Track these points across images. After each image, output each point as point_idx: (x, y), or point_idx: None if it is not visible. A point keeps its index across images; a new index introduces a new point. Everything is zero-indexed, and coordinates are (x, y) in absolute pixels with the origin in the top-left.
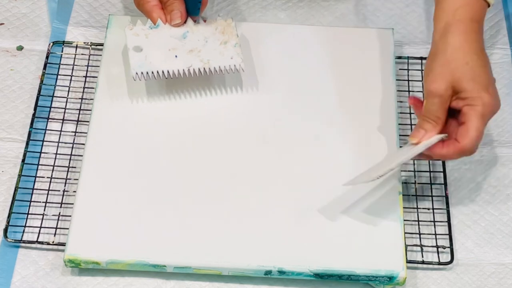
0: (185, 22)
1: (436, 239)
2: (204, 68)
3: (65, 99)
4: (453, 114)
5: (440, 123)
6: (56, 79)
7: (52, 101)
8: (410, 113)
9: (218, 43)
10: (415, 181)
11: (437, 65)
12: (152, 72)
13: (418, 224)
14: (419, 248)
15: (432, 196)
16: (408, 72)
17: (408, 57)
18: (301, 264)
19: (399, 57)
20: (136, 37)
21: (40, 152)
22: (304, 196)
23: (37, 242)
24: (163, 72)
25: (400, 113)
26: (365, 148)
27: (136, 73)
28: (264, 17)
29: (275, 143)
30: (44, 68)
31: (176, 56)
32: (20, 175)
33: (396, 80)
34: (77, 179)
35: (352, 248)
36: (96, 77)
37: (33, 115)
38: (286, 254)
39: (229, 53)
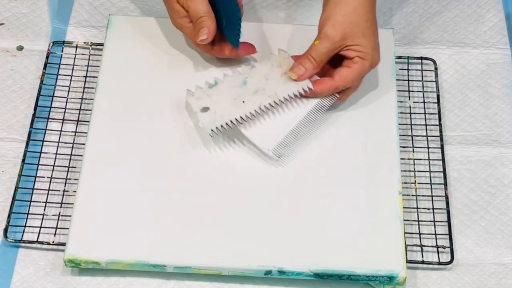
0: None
1: (436, 239)
2: (274, 101)
3: (65, 99)
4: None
5: (320, 67)
6: (56, 79)
7: (52, 101)
8: (410, 113)
9: (279, 76)
10: (415, 181)
11: (339, 13)
12: (226, 123)
13: (418, 224)
14: (419, 248)
15: (432, 196)
16: (408, 72)
17: (408, 57)
18: (301, 264)
19: (399, 57)
20: (200, 101)
21: (40, 152)
22: (304, 196)
23: (37, 242)
24: (236, 119)
25: (400, 113)
26: (365, 148)
27: (212, 130)
28: (265, 17)
29: None
30: (44, 68)
31: (243, 101)
32: (20, 175)
33: (396, 80)
34: (77, 179)
35: (352, 248)
36: (96, 77)
37: (33, 115)
38: (286, 254)
39: (292, 80)
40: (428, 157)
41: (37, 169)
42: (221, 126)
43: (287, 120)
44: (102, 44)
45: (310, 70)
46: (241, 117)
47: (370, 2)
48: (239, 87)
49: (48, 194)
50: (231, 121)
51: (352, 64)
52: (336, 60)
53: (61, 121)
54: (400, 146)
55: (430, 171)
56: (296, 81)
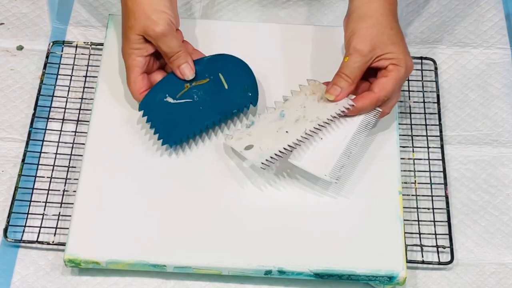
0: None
1: (436, 239)
2: (318, 124)
3: (65, 98)
4: (365, 77)
5: (355, 83)
6: (56, 78)
7: (52, 100)
8: (410, 113)
9: (316, 102)
10: (415, 181)
11: (364, 26)
12: (276, 154)
13: (418, 224)
14: (419, 248)
15: (432, 196)
16: None
17: None
18: (301, 264)
19: None
20: (241, 140)
21: (40, 152)
22: (303, 195)
23: (37, 242)
24: (284, 148)
25: (400, 113)
26: (365, 148)
27: (262, 163)
28: (264, 16)
29: None
30: (44, 68)
31: (286, 131)
32: (20, 175)
33: None
34: (77, 179)
35: (352, 248)
36: (96, 77)
37: (33, 115)
38: (286, 254)
39: (330, 102)
40: (428, 157)
41: (37, 169)
42: (271, 157)
43: (336, 142)
44: (102, 44)
45: (346, 88)
46: (289, 145)
47: (391, 11)
48: (278, 120)
49: (48, 194)
50: (280, 151)
51: (387, 73)
52: (369, 75)
53: (61, 121)
54: (400, 146)
55: (430, 171)
56: (335, 102)
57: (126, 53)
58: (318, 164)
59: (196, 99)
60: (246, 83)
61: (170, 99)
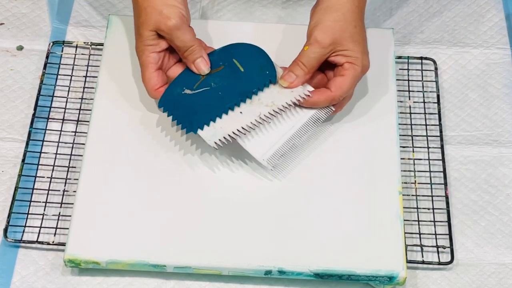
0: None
1: (436, 239)
2: (273, 110)
3: (65, 99)
4: (321, 68)
5: (311, 72)
6: (56, 79)
7: (52, 101)
8: (410, 113)
9: (274, 86)
10: (415, 181)
11: (329, 18)
12: (228, 135)
13: (418, 224)
14: (419, 248)
15: (432, 196)
16: (408, 72)
17: (408, 57)
18: (301, 264)
19: (399, 57)
20: None
21: (40, 152)
22: (304, 196)
23: (37, 242)
24: (237, 129)
25: (400, 113)
26: (365, 148)
27: (215, 142)
28: (264, 16)
29: None
30: (44, 68)
31: (241, 112)
32: (20, 175)
33: (396, 80)
34: (77, 179)
35: (352, 248)
36: (96, 77)
37: (33, 115)
38: (286, 254)
39: (288, 90)
40: (428, 157)
41: (37, 169)
42: (224, 137)
43: (284, 130)
44: (102, 44)
45: (301, 77)
46: (242, 127)
47: (359, 9)
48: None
49: (48, 194)
50: (233, 133)
51: (344, 71)
52: (324, 67)
53: (61, 121)
54: (400, 146)
55: (430, 171)
56: (292, 89)
57: (139, 50)
58: (261, 148)
59: (214, 86)
60: (261, 63)
61: (188, 91)
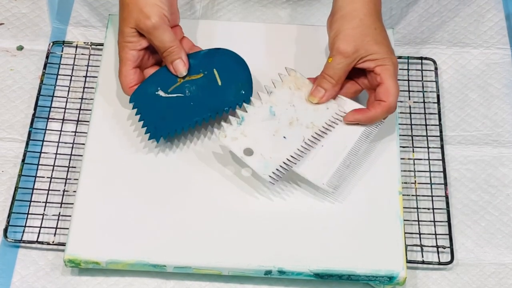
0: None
1: (436, 239)
2: (315, 133)
3: (65, 99)
4: (350, 77)
5: (340, 84)
6: (56, 79)
7: (52, 101)
8: (410, 113)
9: (305, 101)
10: (415, 181)
11: (348, 27)
12: (281, 166)
13: (418, 224)
14: (419, 248)
15: (432, 196)
16: (408, 72)
17: (408, 57)
18: (301, 264)
19: (399, 57)
20: (237, 141)
21: (40, 152)
22: (304, 196)
23: (37, 242)
24: (288, 159)
25: (400, 113)
26: (365, 147)
27: (270, 176)
28: (264, 16)
29: None
30: (44, 68)
31: (284, 137)
32: (20, 175)
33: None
34: (77, 179)
35: (352, 248)
36: (96, 77)
37: (33, 115)
38: (286, 254)
39: (318, 105)
40: (428, 157)
41: (37, 169)
42: (277, 170)
43: (336, 150)
44: (102, 44)
45: (330, 89)
46: (292, 156)
47: (375, 11)
48: (270, 119)
49: (48, 194)
50: (284, 163)
51: (379, 76)
52: (354, 75)
53: (61, 121)
54: (400, 146)
55: (430, 171)
56: (327, 106)
57: (120, 46)
58: (317, 172)
59: (188, 94)
60: (240, 80)
61: (161, 93)
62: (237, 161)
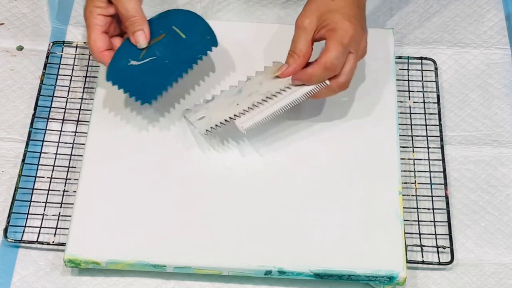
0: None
1: (436, 239)
2: (266, 96)
3: (65, 99)
4: None
5: (302, 56)
6: (56, 79)
7: (52, 101)
8: (410, 113)
9: (273, 79)
10: (415, 181)
11: (306, 4)
12: (220, 122)
13: (418, 224)
14: (419, 248)
15: (432, 196)
16: (408, 72)
17: (408, 57)
18: (301, 264)
19: (399, 57)
20: (197, 113)
21: (40, 152)
22: (304, 196)
23: (37, 242)
24: (229, 117)
25: (400, 113)
26: (365, 148)
27: (206, 130)
28: (264, 16)
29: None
30: (44, 68)
31: (237, 104)
32: (20, 175)
33: (396, 80)
34: (77, 179)
35: (352, 248)
36: (96, 77)
37: (33, 115)
38: (286, 254)
39: (283, 79)
40: (428, 157)
41: (37, 169)
42: (215, 125)
43: (273, 105)
44: None
45: (292, 63)
46: (234, 115)
47: None
48: (235, 95)
49: (48, 194)
50: (225, 119)
51: (326, 42)
52: None
53: (61, 121)
54: (400, 146)
55: (430, 171)
56: (283, 77)
57: (88, 11)
58: (243, 119)
59: (159, 55)
60: (201, 29)
61: (134, 62)
62: (238, 159)
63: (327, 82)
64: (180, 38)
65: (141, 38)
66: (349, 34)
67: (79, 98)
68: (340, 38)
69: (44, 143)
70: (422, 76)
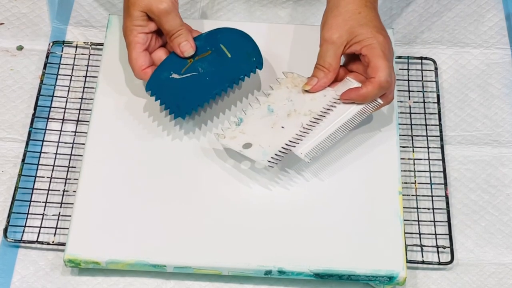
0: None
1: (436, 239)
2: (313, 117)
3: (65, 99)
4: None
5: (332, 70)
6: (56, 79)
7: (52, 101)
8: (410, 113)
9: (302, 94)
10: (415, 181)
11: (331, 16)
12: (279, 151)
13: (418, 224)
14: (419, 248)
15: (432, 196)
16: (408, 72)
17: (408, 57)
18: (301, 264)
19: (399, 57)
20: (235, 140)
21: (40, 152)
22: (304, 196)
23: (37, 242)
24: (286, 144)
25: (400, 113)
26: (365, 148)
27: (269, 161)
28: (264, 16)
29: None
30: (44, 68)
31: (282, 127)
32: (20, 175)
33: (396, 80)
34: (77, 179)
35: (352, 248)
36: (96, 77)
37: (33, 115)
38: (286, 254)
39: (315, 94)
40: (428, 157)
41: (37, 169)
42: (276, 155)
43: (328, 127)
44: (102, 44)
45: (322, 77)
46: (290, 141)
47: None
48: (268, 115)
49: (48, 194)
50: (283, 148)
51: (366, 58)
52: (353, 65)
53: (61, 121)
54: (400, 146)
55: (430, 171)
56: (324, 94)
57: (128, 30)
58: (302, 145)
59: (201, 71)
60: (248, 49)
61: (175, 75)
62: (237, 159)
63: (380, 101)
64: (225, 56)
65: (187, 47)
66: (386, 47)
67: (79, 98)
68: (383, 54)
69: (44, 143)
70: (422, 76)
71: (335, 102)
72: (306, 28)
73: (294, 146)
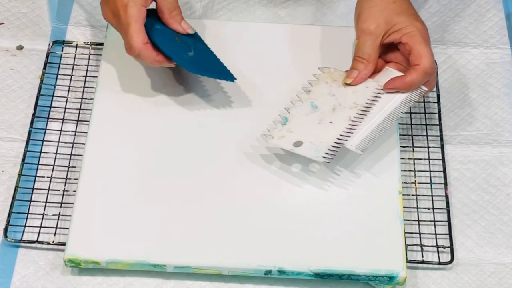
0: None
1: (436, 238)
2: (360, 110)
3: (65, 98)
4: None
5: (371, 61)
6: (56, 78)
7: (52, 100)
8: (410, 113)
9: (343, 88)
10: (415, 181)
11: (365, 7)
12: (332, 146)
13: (418, 224)
14: (419, 248)
15: (432, 195)
16: None
17: None
18: (301, 264)
19: None
20: (284, 139)
21: (40, 152)
22: (304, 195)
23: (37, 242)
24: (338, 139)
25: None
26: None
27: (324, 157)
28: (264, 16)
29: None
30: (44, 67)
31: (330, 122)
32: (20, 175)
33: None
34: (77, 179)
35: (352, 248)
36: (96, 76)
37: (33, 114)
38: (286, 254)
39: (357, 87)
40: (428, 156)
41: (37, 169)
42: (330, 150)
43: (376, 117)
44: (102, 44)
45: (362, 69)
46: (341, 135)
47: None
48: (313, 112)
49: (48, 193)
50: (336, 142)
51: (407, 46)
52: (392, 56)
53: (61, 120)
54: (400, 146)
55: (430, 171)
56: (366, 85)
57: (130, 4)
58: (352, 138)
59: (190, 47)
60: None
61: (190, 53)
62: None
63: (424, 88)
64: (209, 50)
65: (187, 25)
66: (425, 34)
67: (79, 98)
68: (423, 41)
69: (44, 142)
70: None
71: (378, 93)
72: (306, 28)
73: (347, 140)
